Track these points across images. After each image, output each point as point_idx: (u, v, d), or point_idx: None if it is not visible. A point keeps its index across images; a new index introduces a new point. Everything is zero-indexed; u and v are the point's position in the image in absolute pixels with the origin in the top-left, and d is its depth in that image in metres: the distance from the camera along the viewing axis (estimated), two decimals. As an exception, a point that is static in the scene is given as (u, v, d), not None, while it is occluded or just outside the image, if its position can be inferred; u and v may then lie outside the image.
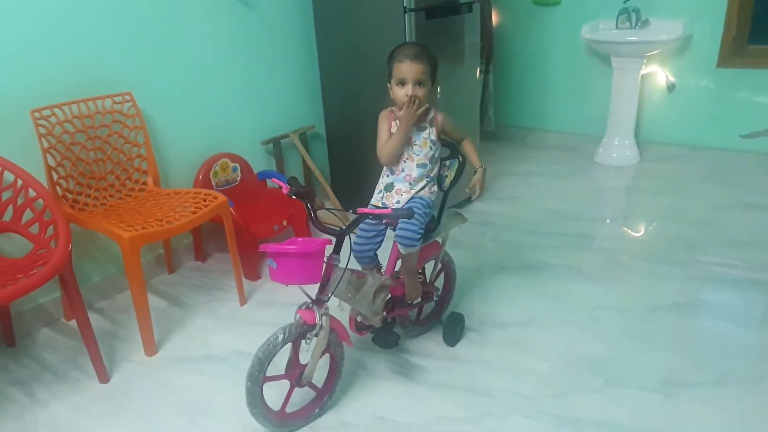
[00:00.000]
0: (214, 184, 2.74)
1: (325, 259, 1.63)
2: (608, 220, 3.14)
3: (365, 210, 1.58)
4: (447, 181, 1.93)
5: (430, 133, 1.82)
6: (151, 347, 2.10)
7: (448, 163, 1.93)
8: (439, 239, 2.03)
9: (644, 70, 3.78)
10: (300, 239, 1.69)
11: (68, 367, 2.05)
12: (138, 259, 1.99)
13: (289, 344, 1.62)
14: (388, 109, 1.87)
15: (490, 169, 3.85)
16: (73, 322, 2.30)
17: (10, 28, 2.05)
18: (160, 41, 2.50)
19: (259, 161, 3.04)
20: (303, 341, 1.63)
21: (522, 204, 3.36)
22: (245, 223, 2.59)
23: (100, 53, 2.31)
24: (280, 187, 1.72)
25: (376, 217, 1.57)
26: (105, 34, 2.31)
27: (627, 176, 3.75)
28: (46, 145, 2.11)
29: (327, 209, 1.67)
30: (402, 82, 1.76)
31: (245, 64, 2.89)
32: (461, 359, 2.01)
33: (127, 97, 2.36)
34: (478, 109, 3.38)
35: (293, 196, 1.68)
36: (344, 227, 1.61)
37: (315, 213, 1.67)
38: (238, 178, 2.85)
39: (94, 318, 2.34)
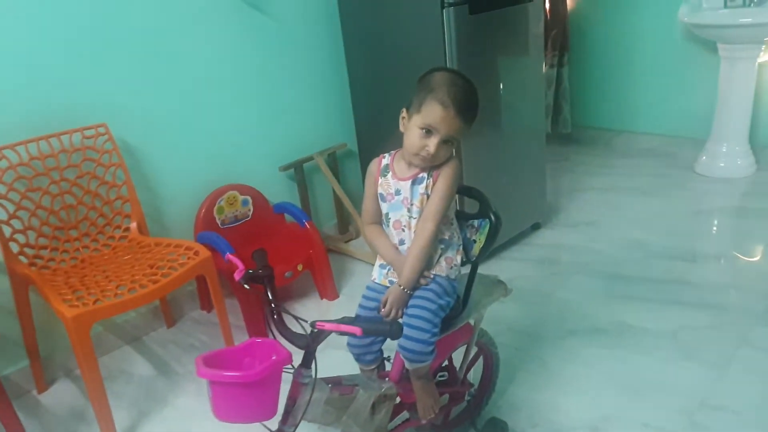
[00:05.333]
0: (219, 221, 2.33)
1: (290, 372, 1.15)
2: (716, 259, 2.43)
3: (326, 325, 1.07)
4: (476, 248, 1.38)
5: (428, 186, 1.28)
6: (114, 444, 1.71)
7: (476, 223, 1.38)
8: (471, 321, 1.49)
9: (762, 58, 2.98)
10: (259, 340, 1.21)
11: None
12: (87, 341, 1.59)
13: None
14: (381, 156, 1.35)
15: (560, 183, 3.27)
16: (46, 395, 1.99)
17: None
18: (144, 58, 2.10)
19: (279, 190, 2.60)
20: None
21: (599, 233, 2.71)
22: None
23: (65, 77, 1.93)
24: (236, 268, 1.26)
25: (344, 334, 1.07)
26: (72, 54, 1.93)
27: (739, 193, 2.99)
28: (-8, 196, 1.76)
29: (287, 312, 1.16)
30: (428, 130, 1.22)
31: (259, 79, 2.45)
32: (500, 491, 1.46)
33: (101, 129, 1.97)
34: (542, 111, 2.75)
35: (245, 285, 1.21)
36: (309, 339, 1.11)
37: (278, 311, 1.19)
38: (250, 213, 2.43)
39: (69, 389, 2.02)
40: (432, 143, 1.21)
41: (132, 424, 1.81)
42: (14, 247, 1.81)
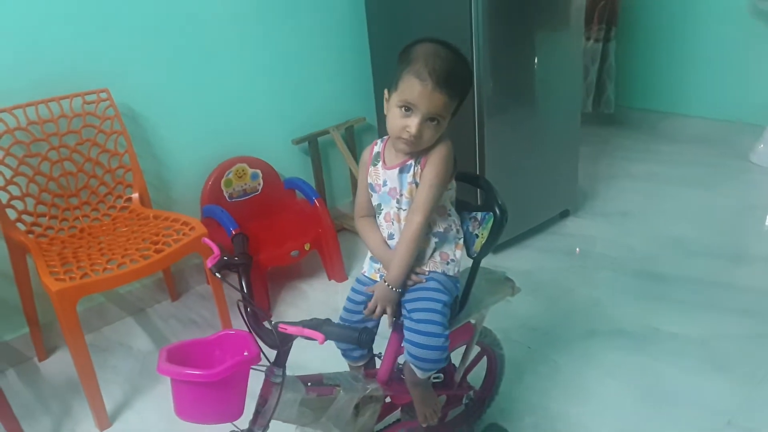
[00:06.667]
0: (226, 195, 2.25)
1: (259, 369, 1.05)
2: (766, 261, 2.20)
3: (288, 328, 0.96)
4: (477, 244, 1.23)
5: (416, 174, 1.13)
6: (103, 420, 1.66)
7: (479, 216, 1.23)
8: (473, 320, 1.36)
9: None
10: (233, 332, 1.12)
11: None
12: (73, 316, 1.54)
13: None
14: (373, 143, 1.22)
15: (597, 168, 3.04)
16: (46, 363, 1.97)
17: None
18: (152, 21, 2.00)
19: (292, 165, 2.49)
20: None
21: (635, 225, 2.50)
22: (254, 246, 2.08)
23: (67, 39, 1.84)
24: (211, 253, 1.16)
25: (308, 338, 0.95)
26: (74, 14, 1.84)
27: (798, 187, 2.72)
28: (-12, 160, 1.71)
29: (254, 308, 1.06)
30: (408, 108, 1.08)
31: (274, 46, 2.32)
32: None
33: (103, 95, 1.89)
34: (579, 89, 2.53)
35: (217, 273, 1.11)
36: (278, 339, 1.00)
37: (252, 304, 1.08)
38: (260, 187, 2.33)
39: (65, 360, 1.98)
40: (413, 123, 1.06)
41: (124, 399, 1.77)
42: (12, 214, 1.77)
